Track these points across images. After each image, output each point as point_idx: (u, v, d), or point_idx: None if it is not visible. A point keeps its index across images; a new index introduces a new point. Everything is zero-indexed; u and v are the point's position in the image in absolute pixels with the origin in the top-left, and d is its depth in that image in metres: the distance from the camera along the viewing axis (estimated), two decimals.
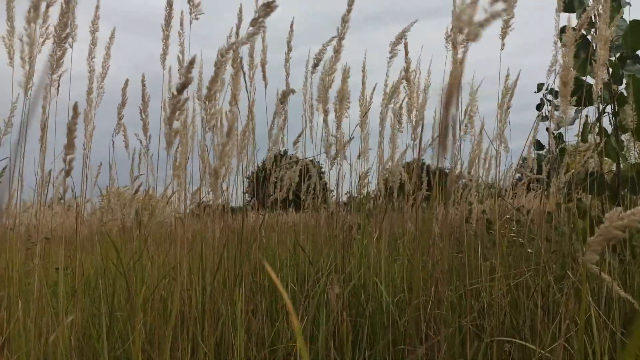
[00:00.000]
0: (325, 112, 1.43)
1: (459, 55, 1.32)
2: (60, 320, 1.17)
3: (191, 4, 1.34)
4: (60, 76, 1.27)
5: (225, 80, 1.26)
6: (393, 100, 1.77)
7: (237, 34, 1.33)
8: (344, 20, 1.29)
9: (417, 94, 1.64)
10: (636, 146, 1.81)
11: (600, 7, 1.25)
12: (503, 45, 1.33)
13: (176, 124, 1.05)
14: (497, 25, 1.43)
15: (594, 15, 1.64)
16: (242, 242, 1.28)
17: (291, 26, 1.62)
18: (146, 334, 1.23)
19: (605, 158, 1.76)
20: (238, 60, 1.20)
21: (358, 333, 1.37)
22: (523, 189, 2.04)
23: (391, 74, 1.68)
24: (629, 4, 1.76)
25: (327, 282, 1.41)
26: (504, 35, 1.30)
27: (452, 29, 1.41)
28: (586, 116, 1.73)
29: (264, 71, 1.56)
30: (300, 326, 1.18)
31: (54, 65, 1.20)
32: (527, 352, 1.24)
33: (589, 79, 1.75)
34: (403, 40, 1.45)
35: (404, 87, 1.58)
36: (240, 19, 1.45)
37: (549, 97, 1.90)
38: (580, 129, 1.74)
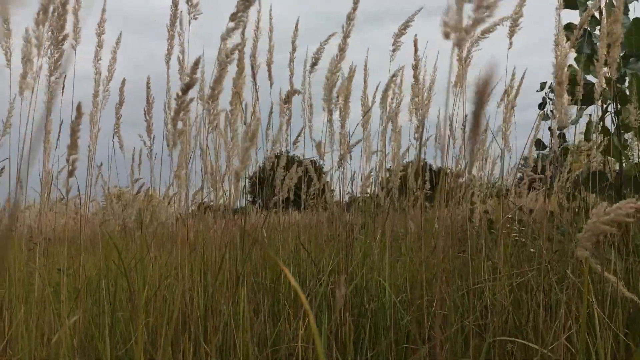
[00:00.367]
0: (330, 112, 1.42)
1: (464, 54, 1.32)
2: (63, 321, 1.17)
3: (190, 3, 1.33)
4: (58, 78, 1.27)
5: (228, 80, 1.27)
6: (394, 99, 1.76)
7: (242, 33, 1.33)
8: (349, 19, 1.29)
9: (423, 92, 1.63)
10: (639, 145, 1.81)
11: (603, 2, 1.24)
12: (510, 44, 1.33)
13: (180, 125, 1.06)
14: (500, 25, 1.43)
15: (599, 11, 1.63)
16: (244, 242, 1.28)
17: (296, 25, 1.61)
18: (148, 334, 1.23)
19: (608, 157, 1.75)
20: (243, 61, 1.20)
21: (360, 333, 1.37)
22: (525, 189, 2.04)
23: (393, 71, 1.67)
24: None
25: (329, 281, 1.41)
26: (511, 34, 1.30)
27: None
28: (589, 115, 1.73)
29: (269, 71, 1.55)
30: (303, 326, 1.18)
31: (52, 67, 1.20)
32: (529, 351, 1.23)
33: (591, 78, 1.75)
34: (406, 31, 1.43)
35: (412, 85, 1.58)
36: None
37: (551, 96, 1.90)
38: (584, 128, 1.74)
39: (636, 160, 1.78)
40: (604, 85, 1.21)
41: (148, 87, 1.51)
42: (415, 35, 1.45)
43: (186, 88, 1.02)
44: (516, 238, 1.74)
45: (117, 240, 1.76)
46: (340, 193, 1.83)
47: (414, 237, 1.83)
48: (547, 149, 1.92)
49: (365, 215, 2.01)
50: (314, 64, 1.43)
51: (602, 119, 1.67)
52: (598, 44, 1.28)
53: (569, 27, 1.68)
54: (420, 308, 1.33)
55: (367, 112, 1.59)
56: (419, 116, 1.59)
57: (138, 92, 1.57)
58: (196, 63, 1.02)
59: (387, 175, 2.02)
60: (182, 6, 1.36)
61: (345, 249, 1.47)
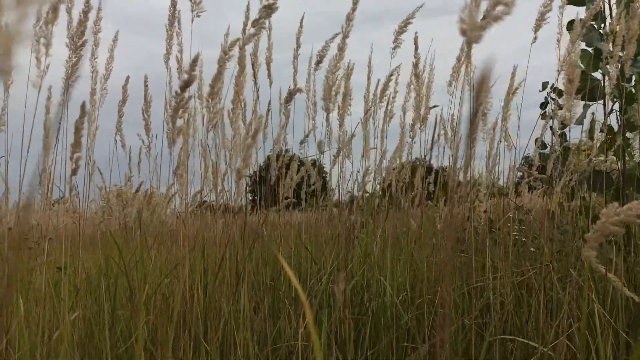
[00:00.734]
0: (328, 110, 1.42)
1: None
2: (63, 318, 1.17)
3: (193, 1, 1.33)
4: (74, 81, 1.27)
5: (228, 79, 1.27)
6: (395, 97, 1.76)
7: (243, 31, 1.32)
8: (349, 19, 1.29)
9: (423, 91, 1.63)
10: None
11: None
12: (535, 38, 1.33)
13: (179, 123, 1.05)
14: (500, 25, 1.42)
15: (607, 6, 1.62)
16: (245, 240, 1.27)
17: (301, 22, 1.61)
18: (149, 332, 1.23)
19: (611, 156, 1.75)
20: (244, 59, 1.20)
21: (360, 331, 1.37)
22: (526, 188, 2.04)
23: (393, 70, 1.67)
24: None
25: (330, 280, 1.41)
26: (537, 27, 1.29)
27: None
28: (592, 114, 1.72)
29: (269, 69, 1.55)
30: (303, 324, 1.17)
31: (69, 71, 1.20)
32: (530, 350, 1.23)
33: (596, 75, 1.74)
34: (407, 29, 1.43)
35: (412, 84, 1.57)
36: (247, 18, 1.45)
37: (553, 95, 1.89)
38: (588, 127, 1.74)
39: (639, 159, 1.77)
40: (614, 82, 1.20)
41: (146, 86, 1.51)
42: (416, 33, 1.45)
43: (185, 85, 1.02)
44: (516, 237, 1.73)
45: (117, 238, 1.76)
46: (339, 192, 1.82)
47: (414, 236, 1.83)
48: (548, 148, 1.91)
49: (365, 213, 2.00)
50: (318, 62, 1.43)
51: (607, 117, 1.67)
52: (602, 42, 1.28)
53: (571, 26, 1.67)
54: (421, 307, 1.33)
55: (368, 110, 1.59)
56: (422, 114, 1.59)
57: (139, 91, 1.57)
58: (194, 60, 1.02)
59: (386, 173, 2.02)
60: (184, 5, 1.36)
61: (346, 247, 1.46)
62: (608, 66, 1.31)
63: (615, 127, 1.75)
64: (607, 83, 1.29)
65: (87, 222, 2.36)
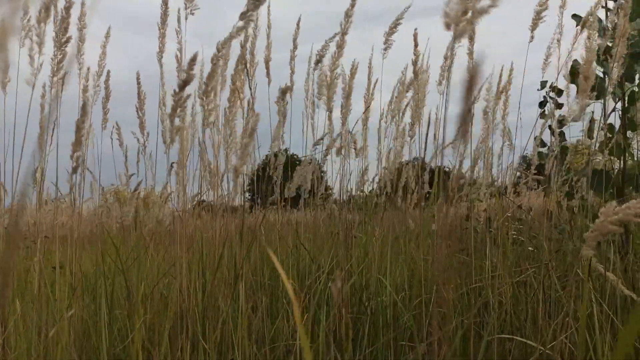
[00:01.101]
0: (330, 110, 1.42)
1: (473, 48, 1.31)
2: (59, 316, 1.16)
3: None
4: (61, 78, 1.27)
5: (227, 77, 1.26)
6: (398, 97, 1.76)
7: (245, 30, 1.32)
8: (347, 15, 1.29)
9: (423, 89, 1.63)
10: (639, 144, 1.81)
11: None
12: (532, 37, 1.32)
13: (177, 122, 1.05)
14: (501, 23, 1.42)
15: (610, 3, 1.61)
16: (243, 240, 1.27)
17: (298, 23, 1.61)
18: (146, 331, 1.22)
19: (610, 155, 1.75)
20: (243, 60, 1.19)
21: (359, 330, 1.37)
22: (525, 188, 2.04)
23: (390, 70, 1.67)
24: None
25: (329, 279, 1.41)
26: (534, 27, 1.29)
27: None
28: (592, 112, 1.72)
29: (267, 68, 1.54)
30: (302, 320, 1.17)
31: (55, 68, 1.20)
32: (528, 349, 1.23)
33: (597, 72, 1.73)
34: (397, 29, 1.43)
35: (413, 83, 1.57)
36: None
37: (552, 94, 1.89)
38: (587, 125, 1.73)
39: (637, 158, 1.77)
40: (616, 81, 1.20)
41: (138, 83, 1.49)
42: (415, 29, 1.44)
43: (183, 84, 1.01)
44: (515, 236, 1.73)
45: (115, 238, 1.75)
46: (340, 191, 1.82)
47: (412, 235, 1.83)
48: (546, 147, 1.91)
49: (362, 212, 2.00)
50: (318, 61, 1.43)
51: (606, 117, 1.66)
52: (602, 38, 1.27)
53: (575, 17, 1.67)
54: (420, 306, 1.33)
55: (367, 109, 1.59)
56: (418, 113, 1.59)
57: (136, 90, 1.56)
58: (193, 59, 1.01)
59: (384, 173, 2.01)
60: (180, 3, 1.35)
61: (344, 246, 1.46)
62: (610, 64, 1.31)
63: (616, 127, 1.75)
64: (608, 82, 1.29)
65: (84, 221, 2.35)
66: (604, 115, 1.72)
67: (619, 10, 1.27)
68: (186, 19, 1.26)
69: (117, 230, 2.23)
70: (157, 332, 1.17)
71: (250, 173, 1.79)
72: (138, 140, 1.63)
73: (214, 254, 1.39)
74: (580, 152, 1.74)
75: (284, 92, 1.21)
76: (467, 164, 1.73)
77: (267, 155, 1.83)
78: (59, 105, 1.29)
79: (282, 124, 1.40)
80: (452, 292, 1.35)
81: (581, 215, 1.58)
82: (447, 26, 0.45)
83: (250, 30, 1.45)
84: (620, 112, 1.71)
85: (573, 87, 1.73)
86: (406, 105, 1.74)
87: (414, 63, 1.45)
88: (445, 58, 1.52)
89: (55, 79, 1.23)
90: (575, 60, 1.67)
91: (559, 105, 1.78)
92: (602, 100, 1.62)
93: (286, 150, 1.93)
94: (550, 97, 1.94)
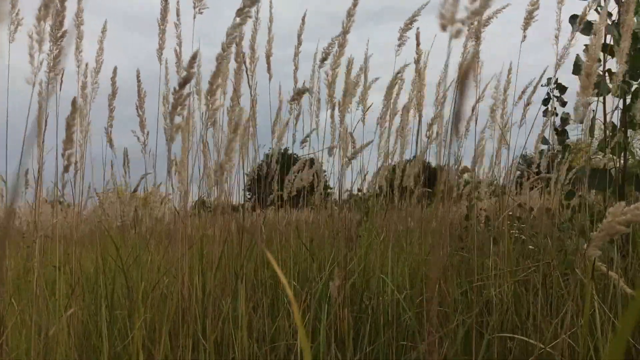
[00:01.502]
0: (333, 107, 1.41)
1: (469, 48, 1.31)
2: (59, 315, 1.16)
3: None
4: (57, 74, 1.26)
5: (227, 75, 1.25)
6: (399, 95, 1.75)
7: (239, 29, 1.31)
8: (350, 14, 1.28)
9: (425, 88, 1.62)
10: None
11: None
12: (524, 36, 1.32)
13: (177, 120, 1.05)
14: (501, 22, 1.42)
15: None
16: (242, 240, 1.27)
17: (303, 19, 1.59)
18: (147, 330, 1.22)
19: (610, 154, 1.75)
20: (241, 55, 1.19)
21: (360, 329, 1.36)
22: (526, 186, 2.03)
23: (395, 68, 1.66)
24: None
25: (330, 278, 1.40)
26: (526, 26, 1.29)
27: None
28: (593, 111, 1.72)
29: (268, 63, 1.52)
30: (301, 319, 1.17)
31: (51, 64, 1.19)
32: (529, 347, 1.23)
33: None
34: (412, 26, 1.41)
35: (414, 81, 1.56)
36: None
37: (556, 92, 1.89)
38: (588, 124, 1.73)
39: (638, 157, 1.77)
40: (620, 79, 1.19)
41: (138, 81, 1.48)
42: (418, 29, 1.43)
43: (183, 82, 1.01)
44: (515, 235, 1.73)
45: (115, 237, 1.75)
46: (339, 191, 1.82)
47: (413, 234, 1.82)
48: (547, 147, 1.91)
49: (361, 212, 2.00)
50: (323, 59, 1.42)
51: (610, 114, 1.66)
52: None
53: (573, 18, 1.66)
54: (422, 305, 1.33)
55: (368, 108, 1.58)
56: (427, 112, 1.58)
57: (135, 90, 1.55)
58: (193, 57, 1.01)
59: (386, 172, 2.01)
60: (185, 3, 1.34)
61: (346, 245, 1.46)
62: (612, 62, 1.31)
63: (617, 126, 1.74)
64: (614, 79, 1.28)
65: (81, 220, 2.35)
66: (604, 113, 1.72)
67: (624, 5, 1.26)
68: (194, 17, 1.25)
69: (117, 229, 2.23)
70: (157, 331, 1.16)
71: (250, 172, 1.79)
72: (138, 139, 1.61)
73: (214, 252, 1.38)
74: (583, 149, 1.74)
75: (301, 93, 1.20)
76: (467, 164, 1.73)
77: (266, 155, 1.83)
78: (58, 102, 1.28)
79: (294, 125, 1.39)
80: (452, 290, 1.35)
81: (582, 213, 1.58)
82: (443, 27, 0.45)
83: (250, 24, 1.44)
84: (620, 111, 1.71)
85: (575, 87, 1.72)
86: (410, 102, 1.73)
87: (417, 62, 1.45)
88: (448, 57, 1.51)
89: (51, 74, 1.22)
90: (578, 55, 1.67)
91: (564, 103, 1.78)
92: (603, 99, 1.62)
93: (286, 149, 1.92)
94: (554, 95, 1.93)
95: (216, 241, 1.36)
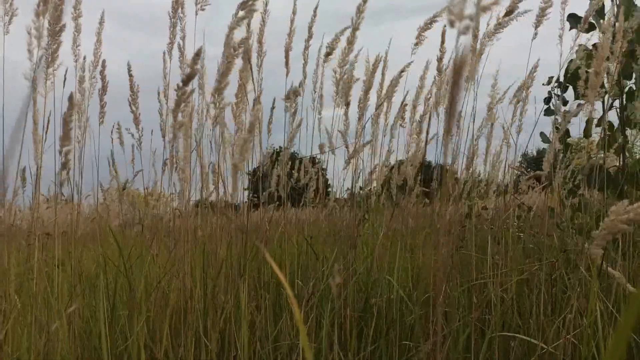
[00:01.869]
0: (348, 104, 1.40)
1: (478, 45, 1.31)
2: (60, 314, 1.15)
3: None
4: (56, 69, 1.25)
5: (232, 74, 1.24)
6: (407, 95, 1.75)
7: (248, 25, 1.30)
8: (359, 11, 1.27)
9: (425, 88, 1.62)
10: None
11: None
12: (535, 34, 1.32)
13: (180, 117, 1.04)
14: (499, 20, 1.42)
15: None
16: (247, 238, 1.26)
17: (315, 10, 1.55)
18: (148, 329, 1.22)
19: (609, 153, 1.75)
20: (249, 52, 1.17)
21: (363, 329, 1.36)
22: (526, 185, 2.03)
23: (398, 67, 1.65)
24: None
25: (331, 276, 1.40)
26: (538, 23, 1.28)
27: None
28: (590, 111, 1.72)
29: (287, 57, 1.46)
30: (302, 319, 1.17)
31: (49, 59, 1.18)
32: (531, 346, 1.23)
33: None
34: (431, 26, 1.39)
35: (434, 78, 1.55)
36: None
37: (557, 91, 1.89)
38: (594, 122, 1.73)
39: (639, 156, 1.77)
40: (615, 79, 1.20)
41: (130, 75, 1.44)
42: (444, 27, 1.42)
43: (187, 79, 1.00)
44: (516, 234, 1.73)
45: (117, 236, 1.74)
46: (339, 189, 1.82)
47: (414, 233, 1.82)
48: (549, 145, 1.91)
49: (363, 210, 2.00)
50: (328, 54, 1.41)
51: (604, 114, 1.66)
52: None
53: (572, 17, 1.66)
54: (426, 304, 1.33)
55: (379, 105, 1.58)
56: (440, 110, 1.58)
57: (142, 85, 1.53)
58: (197, 54, 1.00)
59: (387, 172, 2.01)
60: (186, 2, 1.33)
61: (350, 244, 1.45)
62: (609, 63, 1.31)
63: (615, 125, 1.75)
64: (605, 79, 1.29)
65: (84, 218, 2.34)
66: (603, 112, 1.72)
67: (618, 6, 1.27)
68: (196, 14, 1.24)
69: (118, 227, 2.22)
70: (158, 329, 1.16)
71: (251, 171, 1.78)
72: (133, 135, 1.58)
73: (216, 252, 1.38)
74: (584, 148, 1.74)
75: (292, 94, 1.19)
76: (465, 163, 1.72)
77: (271, 152, 1.82)
78: (57, 99, 1.28)
79: (291, 123, 1.38)
80: (454, 289, 1.35)
81: (582, 212, 1.58)
82: (451, 23, 0.45)
83: (259, 17, 1.41)
84: (618, 110, 1.71)
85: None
86: (427, 100, 1.72)
87: (439, 60, 1.44)
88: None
89: (50, 70, 1.21)
90: (572, 61, 1.67)
91: (565, 102, 1.78)
92: (603, 98, 1.62)
93: (287, 149, 1.92)
94: (555, 94, 1.93)
95: (220, 241, 1.36)
